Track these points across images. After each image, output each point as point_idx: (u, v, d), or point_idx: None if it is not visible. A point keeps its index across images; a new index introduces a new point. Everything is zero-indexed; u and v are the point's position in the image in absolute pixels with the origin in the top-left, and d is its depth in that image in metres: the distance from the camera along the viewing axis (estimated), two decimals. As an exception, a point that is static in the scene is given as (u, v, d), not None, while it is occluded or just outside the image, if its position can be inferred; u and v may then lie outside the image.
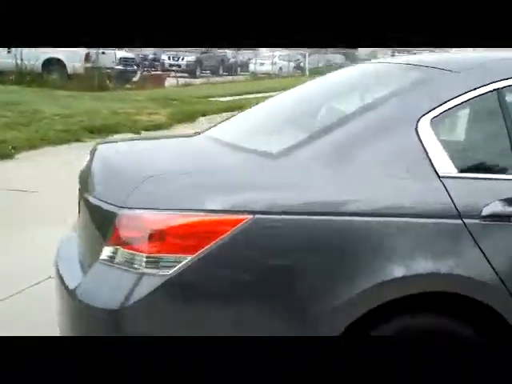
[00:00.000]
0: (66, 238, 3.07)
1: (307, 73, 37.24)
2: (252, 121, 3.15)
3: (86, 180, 2.66)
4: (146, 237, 2.09)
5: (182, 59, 30.44)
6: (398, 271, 2.10)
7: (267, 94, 20.20)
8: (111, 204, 2.23)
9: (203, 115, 14.82)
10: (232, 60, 34.41)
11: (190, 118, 14.22)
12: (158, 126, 12.57)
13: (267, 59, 36.14)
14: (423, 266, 2.12)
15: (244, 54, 36.14)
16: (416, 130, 2.26)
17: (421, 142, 2.25)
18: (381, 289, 2.07)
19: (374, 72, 3.06)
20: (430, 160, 2.24)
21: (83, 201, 2.62)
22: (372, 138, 2.25)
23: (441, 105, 2.30)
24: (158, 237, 2.08)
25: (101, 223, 2.34)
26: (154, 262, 2.08)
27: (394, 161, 2.23)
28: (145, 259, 2.08)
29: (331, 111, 2.85)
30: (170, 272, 2.06)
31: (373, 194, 2.16)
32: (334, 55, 45.99)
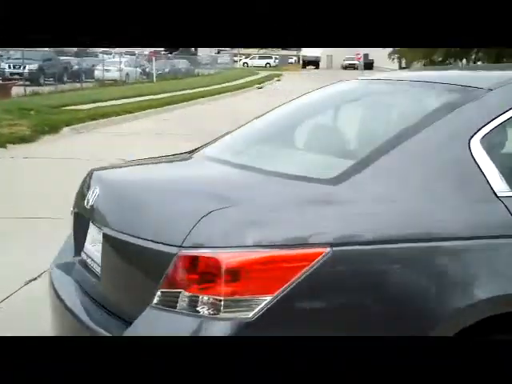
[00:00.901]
0: (60, 266, 2.85)
1: (154, 79, 36.90)
2: (259, 141, 3.06)
3: (100, 214, 2.47)
4: (218, 278, 1.94)
5: (24, 67, 29.05)
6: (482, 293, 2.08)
7: (132, 100, 20.22)
8: (165, 244, 2.04)
9: (67, 125, 14.42)
10: (76, 67, 33.36)
11: (54, 128, 13.83)
12: (22, 139, 12.22)
13: (113, 65, 35.39)
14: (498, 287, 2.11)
15: (88, 61, 35.22)
16: (469, 150, 2.23)
17: (475, 162, 2.22)
18: (470, 310, 2.04)
19: (393, 91, 2.99)
20: (486, 180, 2.21)
21: (106, 239, 2.37)
22: (428, 161, 2.22)
23: (488, 123, 2.28)
24: (232, 277, 1.94)
25: (147, 265, 2.14)
26: (229, 305, 1.94)
27: (454, 182, 2.20)
28: (221, 302, 1.94)
29: (370, 132, 2.79)
30: (251, 315, 1.93)
31: (447, 218, 2.13)
32: (179, 60, 46.00)
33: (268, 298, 1.91)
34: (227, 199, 2.14)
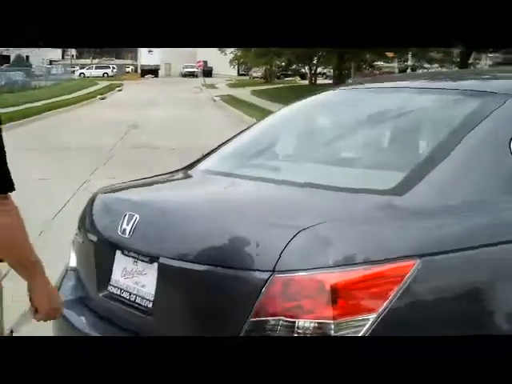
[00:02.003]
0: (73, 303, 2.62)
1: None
2: (282, 155, 3.06)
3: (148, 243, 2.30)
4: (321, 300, 1.87)
5: None
6: None
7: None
8: (253, 270, 1.95)
9: None
10: None
11: None
12: None
13: None
14: None
15: None
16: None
17: None
18: None
19: (404, 99, 3.00)
20: None
21: (163, 270, 2.22)
22: (480, 164, 2.31)
23: None
24: (337, 297, 1.88)
25: (228, 294, 2.02)
26: (338, 328, 1.87)
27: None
28: (329, 325, 1.86)
29: (404, 142, 2.84)
30: (360, 334, 1.87)
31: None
32: (16, 72, 43.84)
33: (373, 317, 1.88)
34: (308, 217, 2.07)
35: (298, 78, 53.99)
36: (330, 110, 3.36)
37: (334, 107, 3.35)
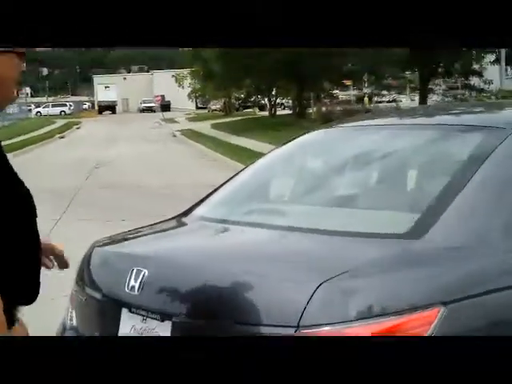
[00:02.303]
0: None
1: None
2: (283, 199, 3.04)
3: (161, 300, 2.21)
4: None
5: None
6: None
7: None
8: (277, 326, 1.89)
9: None
10: None
11: None
12: None
13: None
14: None
15: None
16: None
17: None
18: None
19: (403, 136, 2.95)
20: None
21: (177, 328, 2.11)
22: (493, 200, 2.30)
23: None
24: None
25: None
26: None
27: None
28: None
29: (410, 182, 2.79)
30: None
31: None
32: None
33: None
34: (327, 267, 2.04)
35: (256, 110, 54.26)
36: (326, 150, 3.26)
37: (330, 147, 3.26)
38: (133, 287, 2.24)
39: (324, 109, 35.13)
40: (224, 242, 2.61)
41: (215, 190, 3.16)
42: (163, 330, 2.15)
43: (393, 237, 2.22)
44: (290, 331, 1.86)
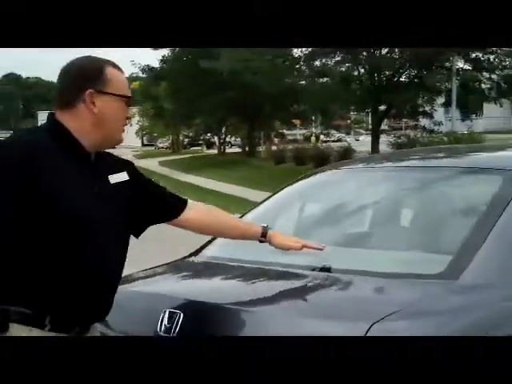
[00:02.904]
0: None
1: None
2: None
3: None
4: None
5: None
6: None
7: None
8: None
9: None
10: None
11: None
12: None
13: None
14: None
15: None
16: None
17: None
18: None
19: (420, 179, 3.00)
20: None
21: None
22: None
23: None
24: None
25: None
26: None
27: None
28: None
29: (437, 223, 2.83)
30: None
31: None
32: None
33: None
34: (373, 308, 2.10)
35: (204, 148, 54.04)
36: (338, 192, 3.31)
37: (340, 188, 3.31)
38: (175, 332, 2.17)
39: (274, 148, 35.20)
40: (257, 286, 2.57)
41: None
42: None
43: (430, 277, 2.26)
44: None
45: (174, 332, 2.15)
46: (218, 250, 2.95)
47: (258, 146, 38.24)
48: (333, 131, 40.18)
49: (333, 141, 36.80)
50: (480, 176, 2.80)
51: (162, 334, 2.17)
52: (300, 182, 3.44)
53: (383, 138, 25.21)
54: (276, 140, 39.76)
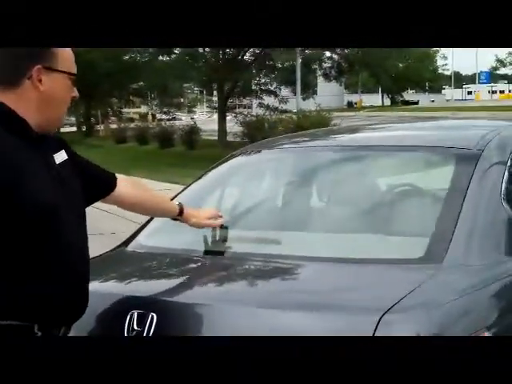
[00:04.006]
0: None
1: None
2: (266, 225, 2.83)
3: None
4: None
5: None
6: None
7: None
8: None
9: None
10: None
11: None
12: None
13: None
14: None
15: None
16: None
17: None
18: None
19: (377, 158, 2.97)
20: None
21: None
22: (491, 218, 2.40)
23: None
24: None
25: None
26: None
27: None
28: None
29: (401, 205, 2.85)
30: None
31: None
32: None
33: None
34: (376, 298, 2.01)
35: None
36: (293, 173, 3.18)
37: (288, 168, 3.20)
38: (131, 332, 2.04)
39: (114, 126, 34.03)
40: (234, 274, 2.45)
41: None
42: None
43: (414, 262, 2.20)
44: None
45: (147, 334, 2.02)
46: (151, 238, 2.84)
47: (97, 125, 36.84)
48: (172, 109, 39.61)
49: (168, 119, 36.20)
50: (432, 155, 2.81)
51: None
52: (225, 165, 3.26)
53: (230, 117, 25.04)
54: (114, 119, 38.42)
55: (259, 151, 3.37)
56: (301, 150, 3.26)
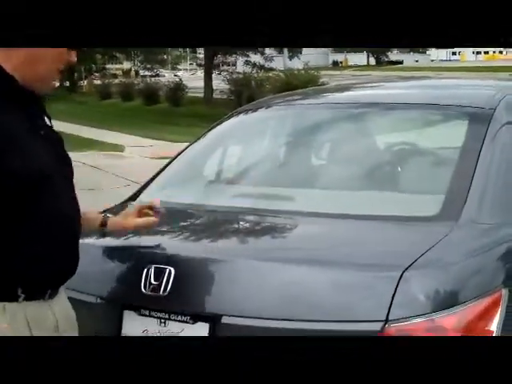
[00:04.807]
0: None
1: None
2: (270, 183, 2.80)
3: (197, 300, 2.03)
4: None
5: None
6: None
7: None
8: (362, 321, 1.80)
9: None
10: None
11: None
12: None
13: None
14: None
15: None
16: None
17: None
18: None
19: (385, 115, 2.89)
20: None
21: (225, 329, 1.96)
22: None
23: None
24: None
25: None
26: None
27: None
28: None
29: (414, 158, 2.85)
30: None
31: None
32: None
33: None
34: (396, 256, 1.98)
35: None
36: (299, 131, 3.12)
37: (297, 126, 3.14)
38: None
39: (98, 82, 33.60)
40: (259, 230, 2.43)
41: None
42: (194, 332, 2.00)
43: (428, 220, 2.18)
44: (378, 327, 1.79)
45: (165, 290, 2.02)
46: (157, 194, 2.75)
47: (80, 81, 36.36)
48: (156, 66, 39.19)
49: (151, 76, 35.85)
50: (445, 112, 2.78)
51: (148, 292, 2.04)
52: (225, 124, 3.18)
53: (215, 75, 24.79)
54: (97, 75, 37.92)
55: (257, 110, 3.33)
56: (301, 108, 3.21)
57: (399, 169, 2.82)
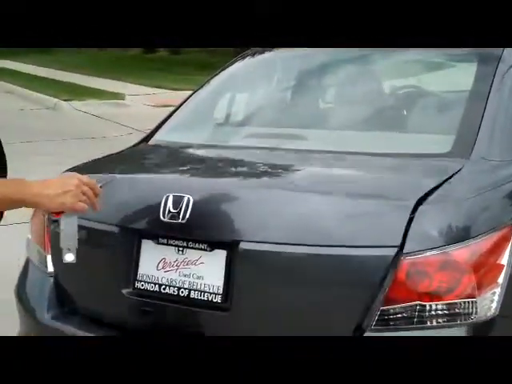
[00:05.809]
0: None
1: None
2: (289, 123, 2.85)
3: (218, 227, 2.05)
4: (463, 278, 1.83)
5: None
6: None
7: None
8: (377, 247, 1.83)
9: None
10: None
11: None
12: None
13: None
14: None
15: None
16: None
17: None
18: None
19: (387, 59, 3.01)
20: None
21: (246, 256, 1.97)
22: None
23: None
24: (476, 273, 1.83)
25: (340, 280, 1.87)
26: (483, 304, 1.85)
27: None
28: (474, 303, 1.82)
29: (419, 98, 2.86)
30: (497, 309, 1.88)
31: None
32: None
33: (498, 289, 1.89)
34: (410, 188, 2.01)
35: None
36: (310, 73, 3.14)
37: (300, 70, 3.16)
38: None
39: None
40: (279, 166, 2.46)
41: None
42: (213, 260, 2.03)
43: (441, 156, 2.22)
44: (391, 251, 1.81)
45: (183, 218, 2.05)
46: (170, 134, 2.91)
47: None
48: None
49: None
50: (455, 53, 2.82)
51: (166, 220, 2.06)
52: (230, 69, 3.24)
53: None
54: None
55: (263, 53, 3.35)
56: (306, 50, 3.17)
57: (408, 111, 2.84)
